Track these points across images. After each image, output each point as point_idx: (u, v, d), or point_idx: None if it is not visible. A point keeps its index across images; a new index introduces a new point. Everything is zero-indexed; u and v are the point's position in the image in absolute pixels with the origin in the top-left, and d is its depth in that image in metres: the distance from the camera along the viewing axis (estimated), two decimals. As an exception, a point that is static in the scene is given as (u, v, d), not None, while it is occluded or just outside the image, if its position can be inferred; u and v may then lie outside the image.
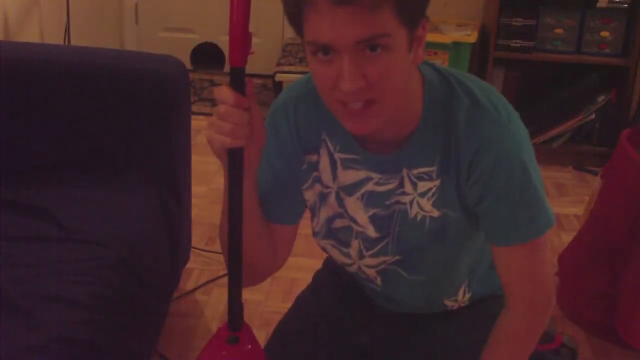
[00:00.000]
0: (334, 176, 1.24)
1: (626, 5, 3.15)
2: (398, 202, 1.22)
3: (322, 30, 0.99)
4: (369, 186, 1.22)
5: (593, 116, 3.28)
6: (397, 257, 1.28)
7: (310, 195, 1.28)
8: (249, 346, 1.21)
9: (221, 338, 1.19)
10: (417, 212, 1.22)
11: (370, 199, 1.23)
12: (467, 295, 1.37)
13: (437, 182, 1.18)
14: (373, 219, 1.25)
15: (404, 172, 1.19)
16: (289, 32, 4.05)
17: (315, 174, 1.26)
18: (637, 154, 2.10)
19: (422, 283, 1.31)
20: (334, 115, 1.10)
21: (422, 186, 1.19)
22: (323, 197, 1.28)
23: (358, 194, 1.23)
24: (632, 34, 3.17)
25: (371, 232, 1.26)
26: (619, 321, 2.13)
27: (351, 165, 1.22)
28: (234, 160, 1.08)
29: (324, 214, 1.30)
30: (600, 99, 3.25)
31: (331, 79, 1.03)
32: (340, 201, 1.26)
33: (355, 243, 1.29)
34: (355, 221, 1.26)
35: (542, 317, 1.26)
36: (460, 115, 1.14)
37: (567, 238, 2.60)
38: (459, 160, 1.15)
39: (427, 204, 1.20)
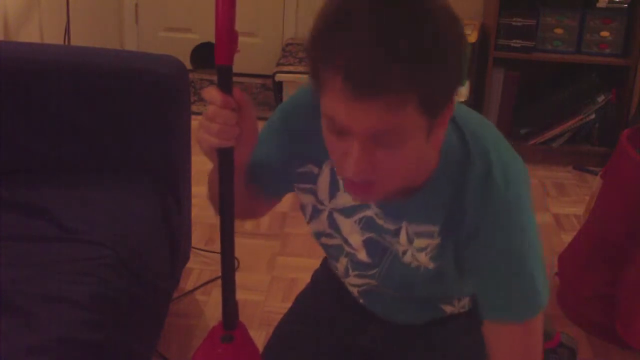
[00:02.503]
0: (332, 196, 1.21)
1: (626, 5, 3.15)
2: (392, 244, 1.20)
3: (339, 114, 0.94)
4: (368, 212, 1.19)
5: (593, 116, 3.28)
6: (381, 284, 1.27)
7: (304, 200, 1.26)
8: (244, 345, 1.21)
9: (216, 337, 1.20)
10: (412, 261, 1.19)
11: (368, 224, 1.20)
12: (465, 300, 1.37)
13: (438, 241, 1.15)
14: (367, 243, 1.22)
15: (404, 224, 1.16)
16: (289, 32, 4.05)
17: (311, 186, 1.23)
18: (637, 154, 2.10)
19: (408, 301, 1.30)
20: (338, 177, 1.09)
21: (420, 242, 1.16)
22: (315, 212, 1.26)
23: (356, 218, 1.21)
24: (632, 34, 3.17)
25: (362, 256, 1.24)
26: (619, 321, 2.13)
27: None
28: (223, 160, 1.08)
29: (313, 226, 1.28)
30: (600, 99, 3.25)
31: (339, 151, 0.99)
32: (332, 222, 1.24)
33: (343, 260, 1.28)
34: (347, 242, 1.24)
35: None
36: (470, 184, 1.09)
37: (567, 238, 2.60)
38: (461, 228, 1.11)
39: (423, 258, 1.17)
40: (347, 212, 1.21)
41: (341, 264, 1.29)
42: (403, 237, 1.17)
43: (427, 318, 1.38)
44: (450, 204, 1.10)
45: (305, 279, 1.57)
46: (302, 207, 1.28)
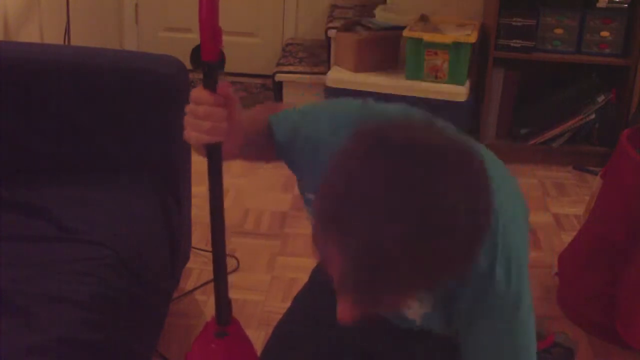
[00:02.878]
0: None
1: (626, 5, 3.15)
2: None
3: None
4: None
5: (593, 116, 3.28)
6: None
7: (306, 203, 1.26)
8: (237, 341, 1.22)
9: (210, 332, 1.21)
10: (403, 311, 1.18)
11: None
12: None
13: (427, 310, 1.14)
14: None
15: None
16: (289, 32, 4.05)
17: (311, 209, 1.22)
18: (637, 154, 2.10)
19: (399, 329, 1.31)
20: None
21: (412, 303, 1.15)
22: None
23: None
24: (632, 34, 3.17)
25: None
26: (619, 321, 2.13)
27: None
28: (212, 153, 1.13)
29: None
30: (600, 99, 3.25)
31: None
32: None
33: None
34: None
35: None
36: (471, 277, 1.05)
37: (567, 238, 2.60)
38: (453, 310, 1.09)
39: (412, 315, 1.17)
40: None
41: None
42: None
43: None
44: (447, 290, 1.07)
45: (305, 279, 1.57)
46: (305, 204, 1.29)
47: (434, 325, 1.17)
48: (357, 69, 3.23)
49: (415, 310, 1.16)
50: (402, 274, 0.84)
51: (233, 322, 1.22)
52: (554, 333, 2.05)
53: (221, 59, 1.09)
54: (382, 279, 0.85)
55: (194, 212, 2.29)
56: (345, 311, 0.94)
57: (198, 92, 1.08)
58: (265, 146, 1.24)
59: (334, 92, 3.19)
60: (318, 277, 1.54)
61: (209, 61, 1.08)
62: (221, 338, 1.20)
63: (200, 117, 1.07)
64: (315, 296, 1.51)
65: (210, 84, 1.08)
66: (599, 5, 3.15)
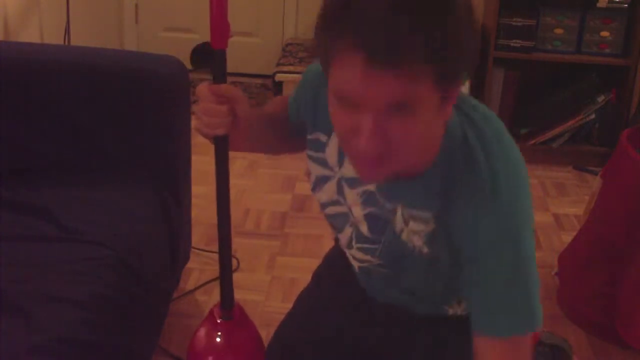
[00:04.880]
0: (340, 164, 1.24)
1: (626, 5, 3.15)
2: (391, 218, 1.20)
3: (352, 86, 0.94)
4: (371, 187, 1.21)
5: (593, 116, 3.28)
6: (382, 262, 1.27)
7: (312, 170, 1.29)
8: (243, 323, 1.24)
9: (214, 317, 1.22)
10: (409, 241, 1.18)
11: (369, 200, 1.22)
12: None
13: (430, 228, 1.14)
14: (368, 218, 1.23)
15: (399, 207, 1.16)
16: (289, 32, 4.05)
17: (320, 155, 1.26)
18: (637, 154, 2.10)
19: (406, 290, 1.30)
20: (345, 154, 1.11)
21: (414, 225, 1.16)
22: (322, 181, 1.27)
23: (359, 190, 1.22)
24: (632, 34, 3.17)
25: (364, 229, 1.25)
26: (619, 321, 2.13)
27: None
28: (218, 145, 1.19)
29: (320, 196, 1.30)
30: (600, 99, 3.25)
31: (349, 126, 0.99)
32: (340, 189, 1.25)
33: (348, 230, 1.29)
34: (352, 212, 1.26)
35: None
36: (471, 182, 1.07)
37: (567, 238, 2.60)
38: (454, 221, 1.10)
39: (418, 240, 1.17)
40: (351, 183, 1.23)
41: (345, 234, 1.29)
42: (399, 218, 1.17)
43: (427, 310, 1.37)
44: (447, 197, 1.10)
45: (305, 279, 1.57)
46: (309, 175, 1.31)
47: (439, 251, 1.15)
48: (357, 69, 3.23)
49: (419, 233, 1.16)
50: (428, 26, 0.90)
51: (237, 307, 1.24)
52: (541, 332, 2.04)
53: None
54: (409, 31, 0.90)
55: (194, 212, 2.29)
56: (371, 129, 0.96)
57: (201, 88, 1.15)
58: (283, 125, 1.33)
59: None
60: (321, 278, 1.55)
61: (219, 49, 1.14)
62: (226, 321, 1.22)
63: (201, 111, 1.15)
64: (317, 297, 1.51)
65: (217, 71, 1.15)
66: (599, 5, 3.15)
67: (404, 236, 1.19)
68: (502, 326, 1.10)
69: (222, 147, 1.19)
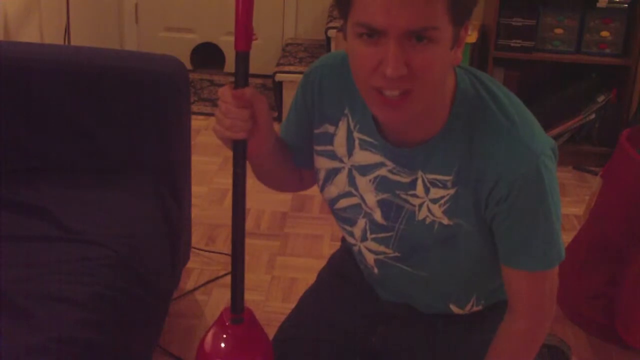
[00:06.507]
0: (350, 154, 1.25)
1: (626, 5, 3.15)
2: (407, 202, 1.22)
3: (375, 14, 1.01)
4: (382, 171, 1.23)
5: (593, 116, 3.28)
6: (397, 254, 1.27)
7: (320, 165, 1.30)
8: (253, 327, 1.25)
9: (224, 320, 1.22)
10: (427, 216, 1.21)
11: (382, 184, 1.23)
12: (476, 308, 1.37)
13: (452, 192, 1.18)
14: (381, 204, 1.25)
15: (419, 173, 1.19)
16: (289, 32, 4.05)
17: (329, 147, 1.27)
18: (637, 154, 2.10)
19: (422, 279, 1.31)
20: (365, 101, 1.12)
21: (435, 192, 1.19)
22: (332, 174, 1.28)
23: (371, 176, 1.24)
24: (632, 34, 3.17)
25: (378, 216, 1.26)
26: (619, 321, 2.13)
27: (368, 148, 1.23)
28: (237, 150, 1.17)
29: (327, 193, 1.31)
30: (600, 99, 3.25)
31: (373, 62, 1.05)
32: (352, 179, 1.27)
33: (361, 222, 1.29)
34: (364, 201, 1.27)
35: (538, 331, 1.30)
36: (487, 122, 1.15)
37: (567, 238, 2.59)
38: (480, 181, 1.16)
39: (438, 211, 1.20)
40: (363, 170, 1.25)
41: (359, 227, 1.30)
42: (420, 187, 1.20)
43: (435, 309, 1.38)
44: (464, 158, 1.16)
45: (305, 278, 1.57)
46: (317, 172, 1.32)
47: (459, 214, 1.20)
48: (357, 69, 3.23)
49: (439, 201, 1.20)
50: None
51: (247, 310, 1.24)
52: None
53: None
54: None
55: (194, 212, 2.29)
56: (395, 53, 1.02)
57: (223, 90, 1.14)
58: (288, 153, 1.34)
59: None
60: (325, 279, 1.54)
61: (242, 50, 1.13)
62: (237, 324, 1.22)
63: (223, 112, 1.14)
64: (320, 298, 1.51)
65: (240, 74, 1.14)
66: (599, 5, 3.15)
67: (422, 212, 1.21)
68: (528, 262, 1.21)
69: (240, 152, 1.17)
